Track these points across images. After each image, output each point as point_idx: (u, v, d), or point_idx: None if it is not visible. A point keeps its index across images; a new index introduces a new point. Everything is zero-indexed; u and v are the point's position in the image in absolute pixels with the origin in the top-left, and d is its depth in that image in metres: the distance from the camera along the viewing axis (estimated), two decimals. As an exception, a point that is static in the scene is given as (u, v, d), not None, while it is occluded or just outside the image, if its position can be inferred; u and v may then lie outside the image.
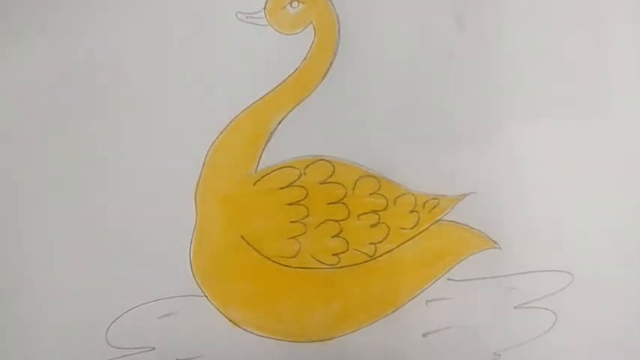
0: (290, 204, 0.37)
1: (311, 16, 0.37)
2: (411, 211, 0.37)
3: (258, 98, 0.37)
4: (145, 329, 0.36)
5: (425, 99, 0.38)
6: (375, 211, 0.37)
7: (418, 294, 0.38)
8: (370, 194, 0.37)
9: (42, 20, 0.37)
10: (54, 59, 0.37)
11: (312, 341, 0.37)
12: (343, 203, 0.37)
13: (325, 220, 0.37)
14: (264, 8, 0.37)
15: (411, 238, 0.37)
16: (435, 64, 0.38)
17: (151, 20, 0.37)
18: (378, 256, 0.37)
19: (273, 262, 0.37)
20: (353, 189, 0.37)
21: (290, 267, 0.37)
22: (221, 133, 0.37)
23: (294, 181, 0.37)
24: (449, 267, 0.38)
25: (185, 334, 0.37)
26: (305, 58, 0.37)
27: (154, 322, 0.36)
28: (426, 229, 0.38)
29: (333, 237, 0.37)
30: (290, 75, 0.37)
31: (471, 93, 0.38)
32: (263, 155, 0.37)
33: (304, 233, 0.37)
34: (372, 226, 0.37)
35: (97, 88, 0.37)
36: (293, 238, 0.37)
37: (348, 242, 0.37)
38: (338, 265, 0.37)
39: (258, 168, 0.37)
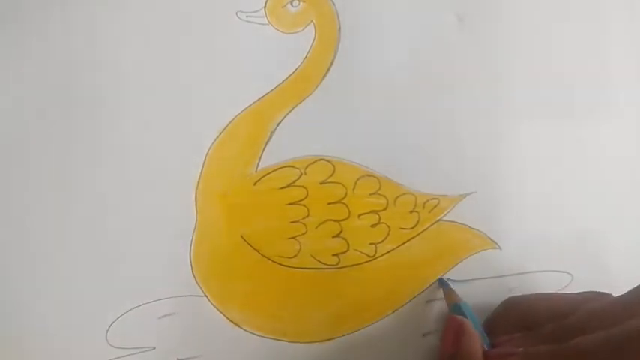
0: (290, 204, 0.37)
1: (311, 15, 0.37)
2: (412, 212, 0.37)
3: (258, 98, 0.37)
4: (145, 329, 0.36)
5: (425, 98, 0.38)
6: (375, 211, 0.37)
7: (418, 294, 0.38)
8: (370, 194, 0.37)
9: (40, 21, 0.37)
10: (55, 59, 0.37)
11: (312, 341, 0.37)
12: (343, 203, 0.37)
13: (325, 220, 0.37)
14: (265, 7, 0.37)
15: (412, 238, 0.37)
16: (436, 64, 0.38)
17: (150, 19, 0.37)
18: (379, 256, 0.37)
19: (273, 262, 0.37)
20: (353, 189, 0.37)
21: (290, 267, 0.37)
22: (221, 133, 0.37)
23: (294, 181, 0.37)
24: (449, 267, 0.38)
25: (185, 334, 0.37)
26: (305, 58, 0.37)
27: (154, 322, 0.36)
28: (427, 229, 0.38)
29: (333, 237, 0.37)
30: (290, 75, 0.37)
31: (471, 92, 0.38)
32: (263, 155, 0.37)
33: (304, 233, 0.37)
34: (372, 226, 0.37)
35: (96, 88, 0.37)
36: (293, 238, 0.37)
37: (348, 242, 0.37)
38: (338, 265, 0.37)
39: (258, 168, 0.37)
